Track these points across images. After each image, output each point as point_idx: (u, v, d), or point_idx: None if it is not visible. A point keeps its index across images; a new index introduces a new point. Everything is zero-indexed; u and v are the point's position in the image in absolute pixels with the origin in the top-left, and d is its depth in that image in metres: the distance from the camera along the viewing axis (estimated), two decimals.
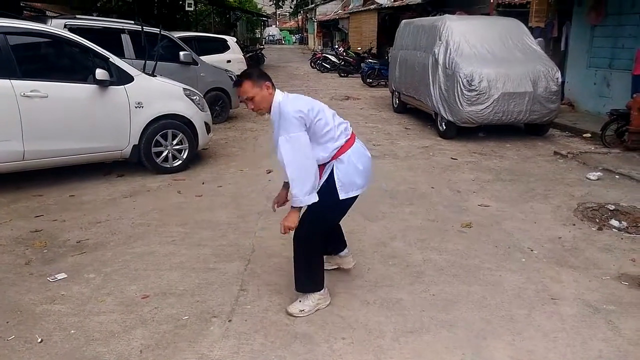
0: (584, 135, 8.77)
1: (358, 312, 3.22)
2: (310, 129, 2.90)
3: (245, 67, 13.04)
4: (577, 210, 5.14)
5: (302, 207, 2.94)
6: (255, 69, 3.22)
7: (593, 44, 10.63)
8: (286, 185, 3.26)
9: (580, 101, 11.01)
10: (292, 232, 3.06)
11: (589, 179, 6.17)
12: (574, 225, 4.76)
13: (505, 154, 7.62)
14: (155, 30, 7.80)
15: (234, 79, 10.27)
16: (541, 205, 5.29)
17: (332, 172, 3.03)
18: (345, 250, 3.65)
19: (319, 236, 3.16)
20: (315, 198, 2.90)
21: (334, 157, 3.02)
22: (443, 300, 3.38)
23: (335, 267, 3.68)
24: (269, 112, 2.98)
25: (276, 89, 3.00)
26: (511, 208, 5.21)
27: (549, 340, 2.96)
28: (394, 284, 3.59)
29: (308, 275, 3.20)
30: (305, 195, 2.86)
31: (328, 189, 3.02)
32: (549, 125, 8.91)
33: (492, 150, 7.86)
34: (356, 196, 3.13)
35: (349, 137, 3.09)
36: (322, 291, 3.24)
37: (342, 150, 3.03)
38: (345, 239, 3.66)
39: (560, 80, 8.40)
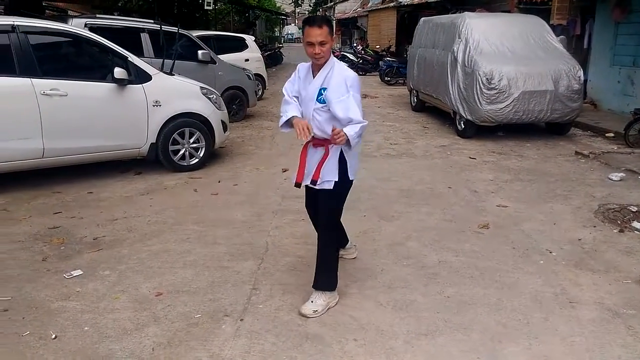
0: (607, 134, 8.59)
1: (370, 313, 3.18)
2: None
3: (263, 66, 13.09)
4: (598, 211, 5.02)
5: (349, 145, 2.99)
6: (330, 20, 3.30)
7: (617, 41, 10.40)
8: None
9: (603, 100, 10.78)
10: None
11: (611, 179, 6.04)
12: (595, 226, 4.65)
13: (525, 153, 7.49)
14: (174, 29, 7.84)
15: (251, 77, 10.38)
16: (561, 206, 5.19)
17: (342, 154, 3.08)
18: (349, 243, 3.80)
19: (337, 224, 3.32)
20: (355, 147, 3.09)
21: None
22: (458, 303, 3.33)
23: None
24: (323, 65, 3.03)
25: None
26: (530, 209, 5.11)
27: (566, 345, 2.90)
28: (408, 285, 3.55)
29: (328, 272, 3.23)
30: (359, 140, 3.03)
31: (341, 170, 3.09)
32: (571, 125, 8.74)
33: (511, 149, 7.73)
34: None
35: None
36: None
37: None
38: (354, 241, 3.89)
39: (582, 78, 8.24)
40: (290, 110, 3.11)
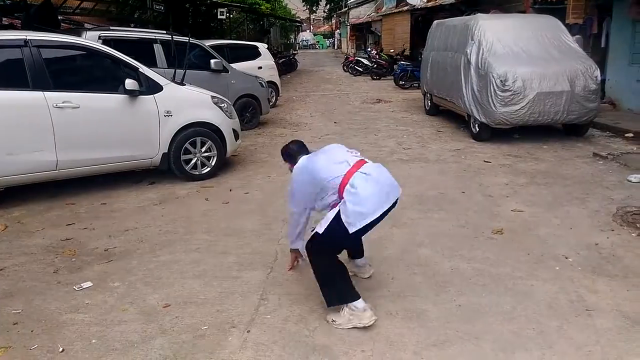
0: (626, 135, 8.38)
1: (380, 323, 3.12)
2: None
3: (277, 74, 13.13)
4: (617, 214, 4.88)
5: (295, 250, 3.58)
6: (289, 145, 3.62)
7: (636, 39, 10.17)
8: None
9: (622, 99, 10.54)
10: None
11: (629, 181, 5.88)
12: (613, 230, 4.53)
13: (541, 156, 7.35)
14: (185, 39, 7.90)
15: (264, 85, 10.41)
16: (578, 210, 5.06)
17: (338, 211, 3.02)
18: (362, 260, 3.63)
19: (331, 252, 3.18)
20: (297, 245, 3.52)
21: (340, 192, 3.05)
22: (470, 312, 3.25)
23: (351, 274, 3.58)
24: None
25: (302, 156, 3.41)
26: (546, 213, 5.00)
27: (582, 354, 2.80)
28: (419, 294, 3.48)
29: (328, 288, 3.14)
30: (290, 235, 3.54)
31: (338, 225, 3.01)
32: (589, 125, 8.56)
33: (527, 152, 7.60)
34: (370, 225, 3.05)
35: (351, 166, 3.08)
36: (353, 306, 3.08)
37: (342, 184, 3.04)
38: (365, 248, 3.67)
39: (599, 78, 8.06)
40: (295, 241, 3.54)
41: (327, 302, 3.16)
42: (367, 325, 3.04)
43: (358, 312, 3.07)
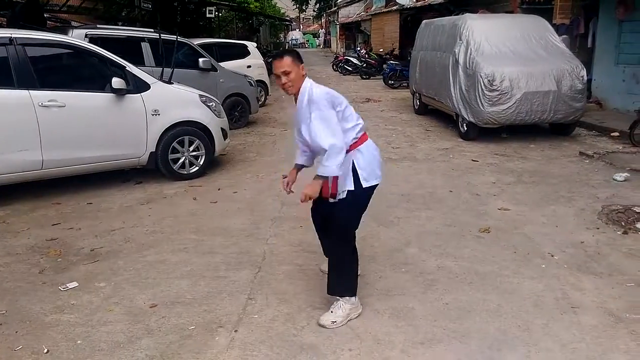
0: (612, 134, 8.48)
1: (367, 322, 3.13)
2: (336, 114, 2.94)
3: (266, 73, 13.09)
4: (602, 213, 4.94)
5: (327, 178, 2.93)
6: (295, 50, 3.25)
7: (621, 39, 10.28)
8: (297, 166, 3.34)
9: (608, 99, 10.66)
10: (309, 206, 3.23)
11: (615, 180, 5.94)
12: (598, 229, 4.57)
13: (529, 155, 7.41)
14: (173, 37, 7.85)
15: (253, 84, 10.38)
16: (564, 208, 5.11)
17: (353, 163, 3.02)
18: None
19: (350, 235, 3.14)
20: (340, 172, 2.91)
21: (352, 147, 3.02)
22: (457, 310, 3.27)
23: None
24: (297, 93, 3.00)
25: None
26: (532, 211, 5.04)
27: (567, 351, 2.83)
28: (406, 292, 3.49)
29: (340, 277, 3.12)
30: (337, 166, 2.85)
31: (352, 180, 3.02)
32: (575, 125, 8.64)
33: (514, 151, 7.65)
34: (374, 189, 3.11)
35: (364, 132, 3.11)
36: (353, 299, 3.14)
37: (359, 141, 3.06)
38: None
39: (585, 78, 8.14)
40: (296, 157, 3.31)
41: (335, 290, 3.13)
42: (359, 314, 3.17)
43: (355, 304, 3.16)
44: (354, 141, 3.03)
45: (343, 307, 3.11)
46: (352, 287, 3.16)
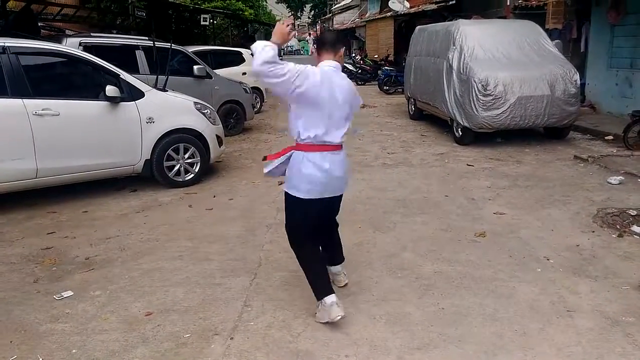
0: (606, 137, 8.53)
1: (363, 327, 3.12)
2: (301, 93, 2.87)
3: None
4: (597, 216, 4.95)
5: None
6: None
7: (614, 43, 10.37)
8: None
9: (602, 103, 10.73)
10: None
11: (610, 183, 5.97)
12: (593, 232, 4.59)
13: (524, 159, 7.43)
14: (167, 45, 7.86)
15: (248, 91, 10.39)
16: (559, 212, 5.12)
17: (290, 164, 3.12)
18: (338, 267, 3.60)
19: (294, 237, 3.26)
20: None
21: (297, 146, 3.08)
22: (453, 314, 3.26)
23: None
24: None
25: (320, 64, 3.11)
26: (527, 215, 5.05)
27: (563, 355, 2.83)
28: (402, 297, 3.49)
29: (307, 279, 3.23)
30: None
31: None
32: (569, 129, 8.69)
33: (509, 155, 7.68)
34: (311, 202, 3.09)
35: (314, 145, 3.02)
36: (320, 303, 3.12)
37: (301, 147, 3.06)
38: (346, 252, 3.68)
39: (578, 82, 8.20)
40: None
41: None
42: (334, 320, 3.05)
43: (320, 309, 3.12)
44: (300, 142, 3.05)
45: (318, 310, 3.16)
46: (316, 289, 3.17)
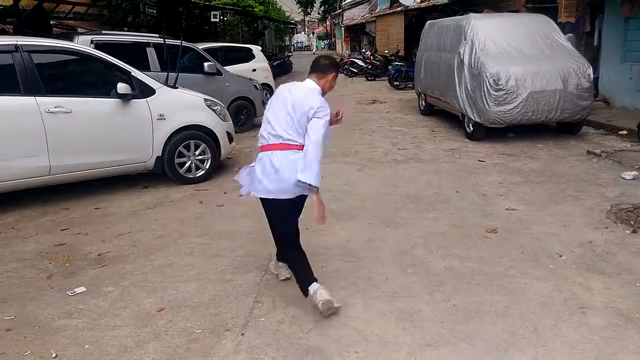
0: (620, 132, 8.42)
1: (374, 324, 3.12)
2: None
3: (271, 76, 13.10)
4: (610, 212, 4.90)
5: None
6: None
7: (627, 37, 10.22)
8: None
9: (615, 97, 10.59)
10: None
11: (623, 178, 5.90)
12: (607, 228, 4.54)
13: (536, 154, 7.37)
14: (177, 42, 7.88)
15: (258, 87, 10.40)
16: (572, 208, 5.07)
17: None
18: (280, 263, 3.72)
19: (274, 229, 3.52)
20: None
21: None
22: (464, 311, 3.25)
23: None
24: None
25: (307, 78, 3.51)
26: (540, 211, 5.01)
27: (575, 352, 2.80)
28: (413, 294, 3.48)
29: None
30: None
31: None
32: (582, 123, 8.59)
33: (521, 150, 7.61)
34: (268, 202, 3.30)
35: (265, 145, 3.31)
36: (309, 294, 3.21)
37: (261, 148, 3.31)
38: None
39: (592, 76, 8.09)
40: None
41: None
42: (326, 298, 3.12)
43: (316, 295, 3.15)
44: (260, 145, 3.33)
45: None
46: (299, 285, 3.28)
